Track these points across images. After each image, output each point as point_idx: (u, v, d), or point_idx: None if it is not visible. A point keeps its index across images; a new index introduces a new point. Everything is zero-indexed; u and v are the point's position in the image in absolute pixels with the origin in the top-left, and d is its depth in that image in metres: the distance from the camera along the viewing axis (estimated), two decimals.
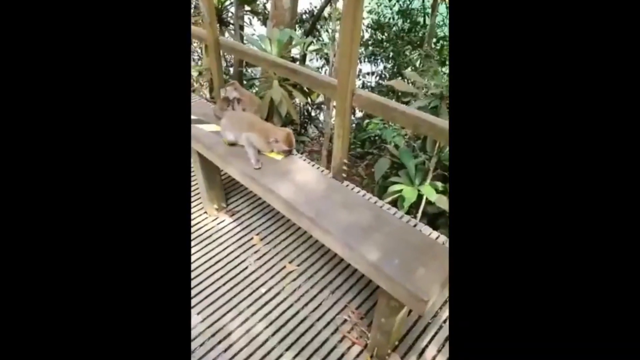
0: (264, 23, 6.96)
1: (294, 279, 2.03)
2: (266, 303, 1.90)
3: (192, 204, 2.50)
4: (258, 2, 6.73)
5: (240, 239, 2.26)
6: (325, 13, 7.29)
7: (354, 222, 1.49)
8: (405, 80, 4.89)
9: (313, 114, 5.73)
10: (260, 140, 1.83)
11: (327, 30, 7.97)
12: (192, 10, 6.53)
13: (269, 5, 7.33)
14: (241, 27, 5.66)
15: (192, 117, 2.09)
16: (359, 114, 6.13)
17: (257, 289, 1.97)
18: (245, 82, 5.95)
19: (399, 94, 4.74)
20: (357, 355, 1.70)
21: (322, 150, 4.21)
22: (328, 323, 1.82)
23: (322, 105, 5.42)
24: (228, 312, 1.86)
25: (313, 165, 2.58)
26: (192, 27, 3.82)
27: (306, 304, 1.90)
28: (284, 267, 2.09)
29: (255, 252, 2.18)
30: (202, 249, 2.19)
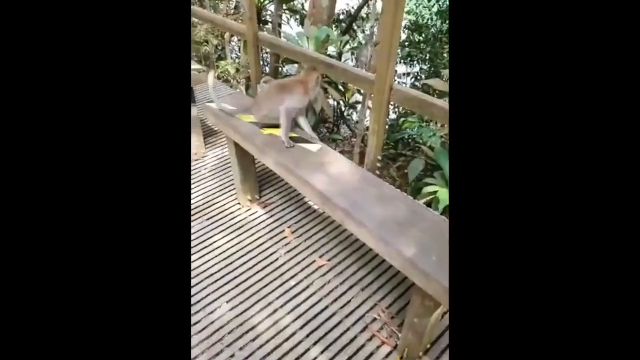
0: (301, 23, 7.01)
1: (324, 274, 2.00)
2: (295, 296, 1.89)
3: (226, 194, 2.53)
4: (296, 2, 6.80)
5: (271, 230, 2.27)
6: (363, 13, 7.24)
7: (389, 216, 1.44)
8: (443, 79, 4.75)
9: (346, 113, 5.70)
10: (299, 98, 1.87)
11: (363, 31, 7.92)
12: (232, 9, 6.68)
13: (307, 5, 7.37)
14: (279, 25, 5.73)
15: (231, 107, 2.11)
16: (392, 116, 6.03)
17: (287, 281, 1.96)
18: (280, 78, 5.98)
19: (436, 95, 4.61)
20: (387, 356, 1.65)
21: (354, 149, 4.16)
22: (357, 320, 1.78)
23: (356, 105, 5.36)
24: (257, 302, 1.86)
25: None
26: (233, 23, 3.90)
27: (335, 300, 1.87)
28: (314, 261, 2.07)
29: (286, 244, 2.17)
30: (233, 239, 2.21)
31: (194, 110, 2.72)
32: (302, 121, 2.03)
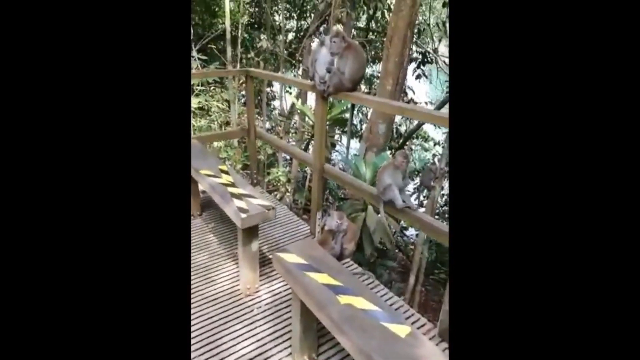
0: (351, 137, 7.33)
1: None
2: None
3: (280, 346, 2.24)
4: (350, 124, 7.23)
5: None
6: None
7: None
8: None
9: (396, 235, 5.51)
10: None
11: (410, 149, 8.16)
12: (283, 120, 7.16)
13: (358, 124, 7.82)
14: (332, 145, 5.98)
15: (302, 262, 1.96)
16: None
17: None
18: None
19: None
20: None
21: (409, 281, 3.83)
22: None
23: (409, 227, 5.18)
24: None
25: (444, 350, 2.22)
26: (300, 152, 4.05)
27: None
28: None
29: None
30: None
31: (254, 245, 2.61)
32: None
